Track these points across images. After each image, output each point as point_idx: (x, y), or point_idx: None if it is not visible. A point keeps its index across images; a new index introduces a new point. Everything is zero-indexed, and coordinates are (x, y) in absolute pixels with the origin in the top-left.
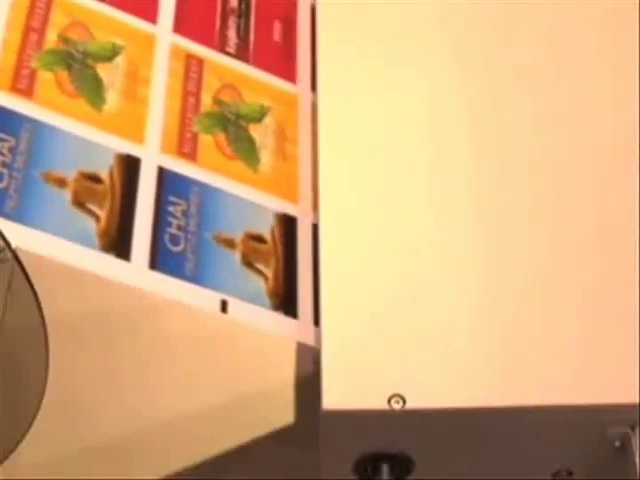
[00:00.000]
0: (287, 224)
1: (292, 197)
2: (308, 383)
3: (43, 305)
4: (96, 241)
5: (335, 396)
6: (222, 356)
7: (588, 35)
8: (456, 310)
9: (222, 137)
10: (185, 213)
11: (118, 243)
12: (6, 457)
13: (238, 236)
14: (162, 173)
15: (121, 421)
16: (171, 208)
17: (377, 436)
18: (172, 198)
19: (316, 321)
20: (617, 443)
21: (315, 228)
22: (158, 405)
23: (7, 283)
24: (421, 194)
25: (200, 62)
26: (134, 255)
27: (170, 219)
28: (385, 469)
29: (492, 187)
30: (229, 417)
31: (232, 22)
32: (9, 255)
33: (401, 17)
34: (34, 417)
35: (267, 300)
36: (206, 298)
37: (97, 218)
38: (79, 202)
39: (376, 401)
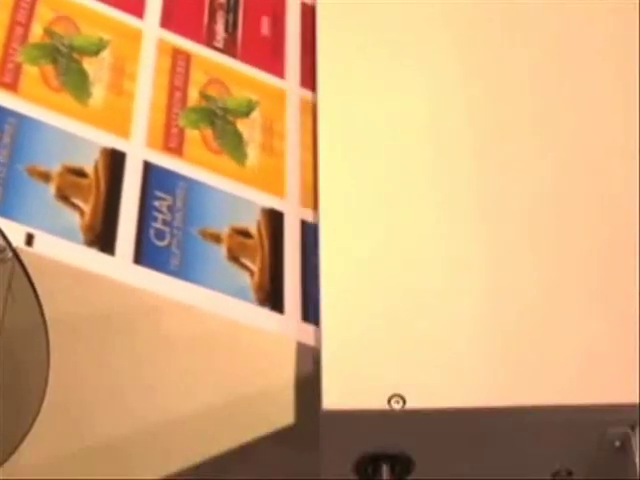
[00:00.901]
0: (274, 219)
1: (279, 192)
2: (308, 383)
3: (43, 305)
4: (80, 235)
5: (335, 396)
6: (222, 356)
7: (590, 35)
8: (456, 310)
9: (209, 132)
10: (171, 208)
11: (103, 237)
12: (7, 458)
13: (224, 231)
14: (148, 168)
15: (121, 421)
16: (157, 203)
17: (377, 436)
18: (158, 193)
19: (304, 317)
20: (617, 443)
21: (303, 224)
22: (158, 405)
23: (7, 283)
24: (422, 194)
25: (187, 57)
26: (118, 249)
27: (156, 214)
28: (385, 469)
29: (493, 187)
30: (229, 417)
31: (220, 17)
32: (9, 255)
33: (401, 17)
34: (35, 418)
35: (252, 295)
36: (191, 293)
37: (82, 212)
38: (63, 196)
39: (376, 401)
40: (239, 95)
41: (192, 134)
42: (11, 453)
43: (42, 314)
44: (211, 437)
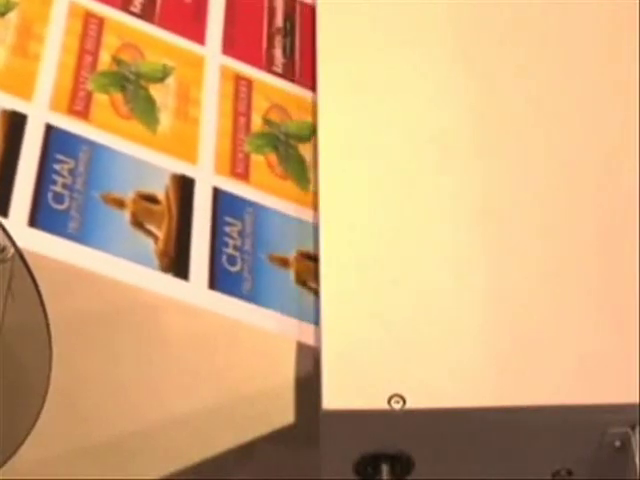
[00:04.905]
0: (184, 185)
1: (191, 158)
2: (308, 383)
3: (44, 304)
4: (156, 261)
5: (335, 396)
6: (222, 356)
7: (591, 36)
8: (456, 310)
9: (119, 96)
10: (72, 171)
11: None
12: (9, 458)
13: (129, 196)
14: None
15: (121, 421)
16: (57, 166)
17: (377, 436)
18: (59, 156)
19: (211, 285)
20: (617, 443)
21: (216, 191)
22: (158, 405)
23: (7, 283)
24: (422, 194)
25: (100, 21)
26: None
27: (55, 176)
28: (385, 469)
29: (493, 187)
30: (229, 417)
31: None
32: (9, 255)
33: (402, 17)
34: (37, 417)
35: (156, 261)
36: (90, 258)
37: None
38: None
39: (376, 401)
40: (154, 60)
41: (100, 98)
42: (13, 453)
43: (44, 313)
44: (211, 437)
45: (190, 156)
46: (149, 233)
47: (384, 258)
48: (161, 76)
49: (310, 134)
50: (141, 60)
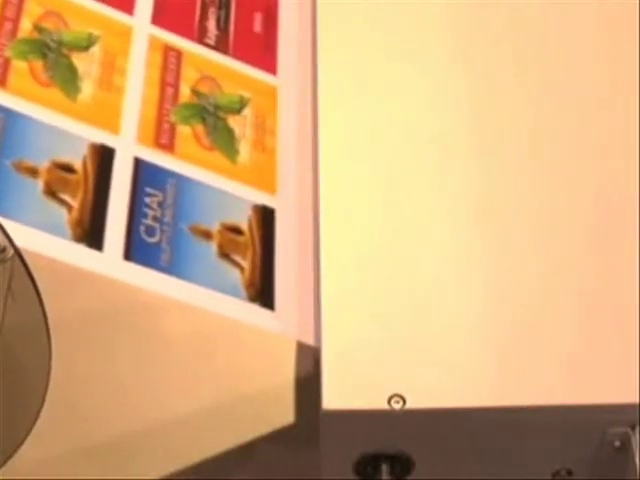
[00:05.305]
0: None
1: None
2: (308, 383)
3: (44, 304)
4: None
5: (335, 396)
6: (222, 356)
7: (592, 37)
8: (456, 310)
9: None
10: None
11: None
12: (9, 458)
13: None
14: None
15: (121, 421)
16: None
17: (377, 436)
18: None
19: (126, 256)
20: (617, 443)
21: (137, 161)
22: (158, 405)
23: (7, 283)
24: (422, 194)
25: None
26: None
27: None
28: (385, 469)
29: (493, 186)
30: (229, 417)
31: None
32: (9, 255)
33: (402, 16)
34: (36, 418)
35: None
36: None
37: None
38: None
39: (376, 401)
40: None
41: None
42: (13, 453)
43: (44, 313)
44: (211, 437)
45: (112, 125)
46: (63, 202)
47: (384, 258)
48: (85, 45)
49: (241, 107)
50: (65, 28)
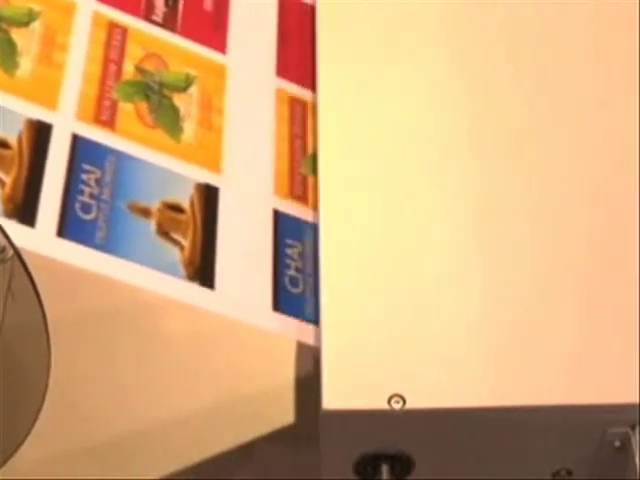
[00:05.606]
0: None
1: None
2: (308, 383)
3: (43, 304)
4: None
5: (335, 396)
6: (222, 356)
7: (588, 36)
8: (456, 310)
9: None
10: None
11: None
12: (9, 458)
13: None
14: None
15: (121, 421)
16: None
17: (377, 436)
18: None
19: (59, 233)
20: (617, 443)
21: (75, 137)
22: (158, 405)
23: (7, 283)
24: (422, 194)
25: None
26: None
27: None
28: (385, 469)
29: (493, 187)
30: (229, 417)
31: None
32: (9, 255)
33: (402, 17)
34: (36, 418)
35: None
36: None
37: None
38: None
39: (376, 401)
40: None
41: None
42: (13, 453)
43: (43, 313)
44: (211, 437)
45: (50, 101)
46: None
47: (384, 258)
48: (26, 20)
49: (186, 85)
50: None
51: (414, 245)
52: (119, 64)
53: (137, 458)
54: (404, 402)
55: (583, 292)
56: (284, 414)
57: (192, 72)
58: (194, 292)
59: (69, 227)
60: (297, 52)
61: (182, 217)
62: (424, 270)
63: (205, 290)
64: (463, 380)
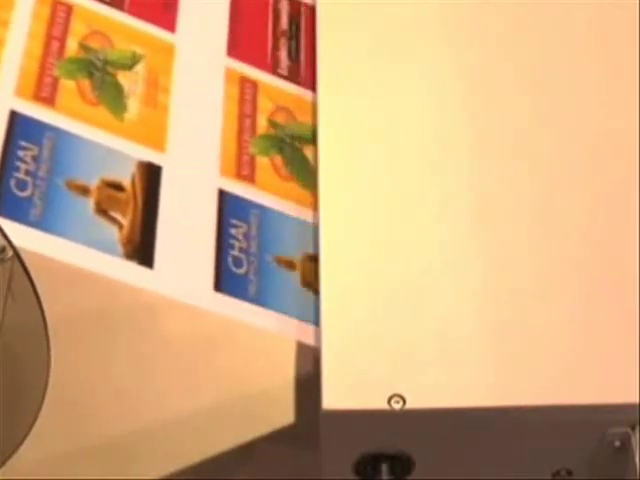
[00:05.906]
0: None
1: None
2: (308, 383)
3: (43, 304)
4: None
5: (335, 396)
6: (222, 356)
7: (590, 36)
8: (456, 310)
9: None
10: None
11: None
12: (9, 458)
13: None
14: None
15: (120, 421)
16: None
17: (377, 436)
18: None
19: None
20: (617, 443)
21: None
22: (158, 405)
23: (7, 283)
24: (421, 194)
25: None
26: None
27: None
28: (385, 469)
29: (492, 186)
30: (229, 417)
31: None
32: (9, 255)
33: (402, 17)
34: (36, 418)
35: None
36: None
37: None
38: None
39: (376, 401)
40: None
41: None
42: (12, 453)
43: (42, 314)
44: (211, 437)
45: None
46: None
47: (384, 258)
48: (130, 63)
49: (132, 63)
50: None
51: (414, 245)
52: (62, 41)
53: (137, 458)
54: (404, 402)
55: (583, 291)
56: (284, 414)
57: (139, 50)
58: (131, 270)
59: (3, 203)
60: (249, 32)
61: (122, 195)
62: (424, 270)
63: (143, 269)
64: (463, 380)
